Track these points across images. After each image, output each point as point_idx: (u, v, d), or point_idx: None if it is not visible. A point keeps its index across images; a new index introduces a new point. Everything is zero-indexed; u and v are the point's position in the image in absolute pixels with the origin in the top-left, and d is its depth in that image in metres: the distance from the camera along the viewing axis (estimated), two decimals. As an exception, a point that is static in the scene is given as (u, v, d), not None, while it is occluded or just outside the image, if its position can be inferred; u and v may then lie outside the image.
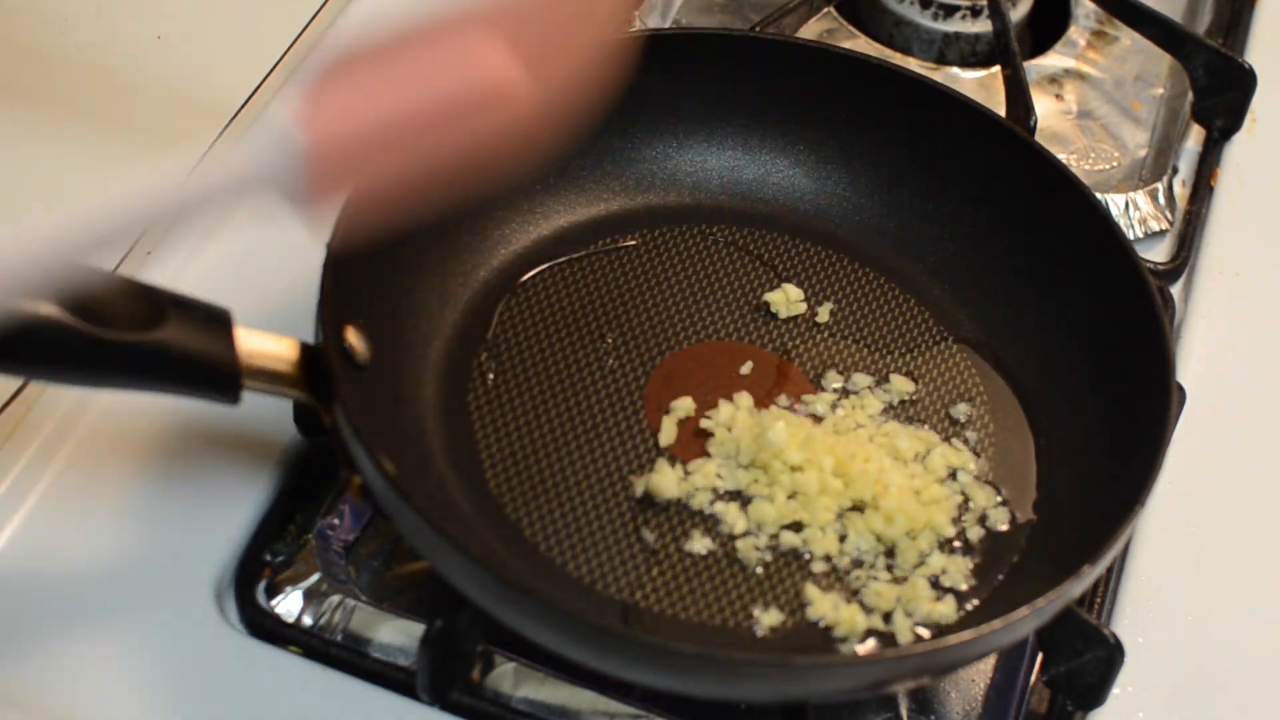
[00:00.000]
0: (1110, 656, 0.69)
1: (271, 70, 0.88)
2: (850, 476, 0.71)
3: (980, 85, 1.00)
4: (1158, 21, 1.00)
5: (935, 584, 0.70)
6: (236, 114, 0.86)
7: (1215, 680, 0.74)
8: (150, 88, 0.85)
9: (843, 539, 0.71)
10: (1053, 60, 1.04)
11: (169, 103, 0.85)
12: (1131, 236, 0.91)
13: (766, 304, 0.81)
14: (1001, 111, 0.92)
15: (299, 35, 0.89)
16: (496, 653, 0.69)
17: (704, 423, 0.74)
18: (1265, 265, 0.93)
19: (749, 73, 0.84)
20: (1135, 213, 0.93)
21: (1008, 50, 0.96)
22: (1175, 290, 0.91)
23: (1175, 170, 0.97)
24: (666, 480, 0.72)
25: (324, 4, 0.90)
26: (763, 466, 0.72)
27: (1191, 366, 0.86)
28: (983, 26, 1.01)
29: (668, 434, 0.74)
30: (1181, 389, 0.79)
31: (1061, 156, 0.82)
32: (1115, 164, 0.98)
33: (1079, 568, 0.65)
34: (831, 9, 1.02)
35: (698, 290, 0.81)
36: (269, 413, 0.72)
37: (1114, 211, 0.91)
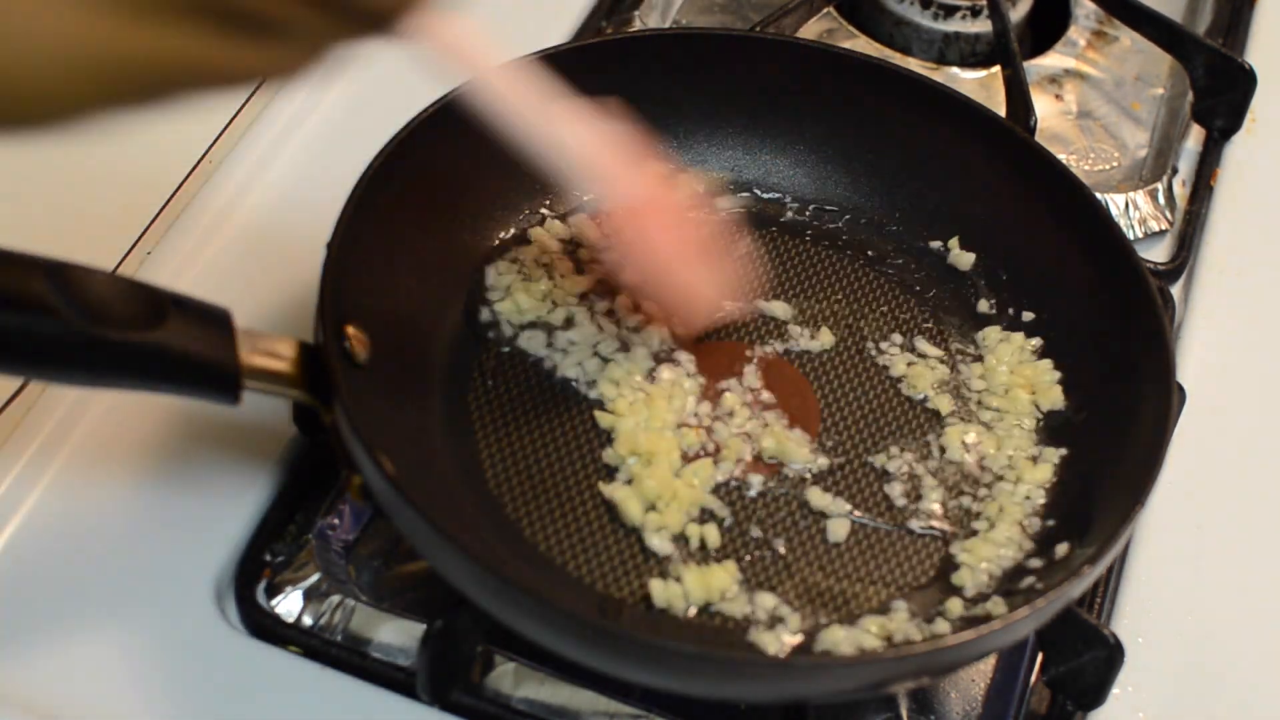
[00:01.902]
0: (1110, 656, 0.69)
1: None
2: None
3: (980, 85, 1.00)
4: (1158, 21, 1.00)
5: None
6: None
7: (1215, 680, 0.74)
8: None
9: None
10: (1053, 60, 1.04)
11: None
12: (1131, 236, 0.91)
13: (765, 304, 0.81)
14: (1001, 111, 0.92)
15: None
16: (496, 653, 0.69)
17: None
18: (1265, 265, 0.93)
19: (749, 73, 0.84)
20: (1135, 213, 0.93)
21: (1008, 50, 0.96)
22: (1175, 290, 0.91)
23: (1175, 170, 0.97)
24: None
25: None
26: None
27: (1191, 366, 0.86)
28: (983, 26, 1.01)
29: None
30: (1181, 389, 0.79)
31: (1061, 156, 0.83)
32: (1115, 164, 0.98)
33: (1079, 568, 0.65)
34: (831, 9, 1.02)
35: (698, 290, 0.81)
36: (269, 413, 0.72)
37: (1114, 211, 0.92)
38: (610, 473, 0.72)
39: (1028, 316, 0.81)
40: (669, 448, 0.73)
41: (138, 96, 0.52)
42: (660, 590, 0.68)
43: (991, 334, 0.80)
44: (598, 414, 0.74)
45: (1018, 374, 0.78)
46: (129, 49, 0.50)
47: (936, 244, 0.84)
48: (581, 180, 0.70)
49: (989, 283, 0.82)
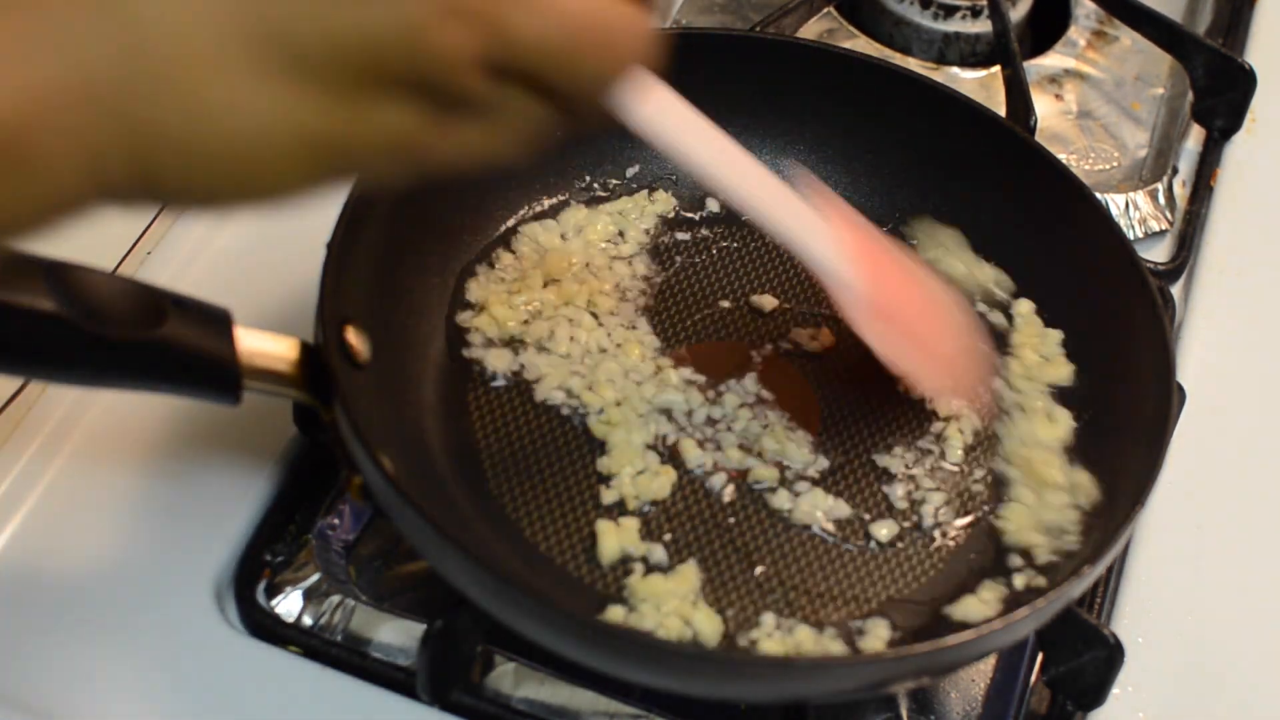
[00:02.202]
0: (1110, 656, 0.69)
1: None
2: None
3: (980, 85, 1.00)
4: (1158, 21, 1.00)
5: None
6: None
7: (1215, 680, 0.74)
8: None
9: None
10: (1053, 60, 1.04)
11: None
12: (1131, 236, 0.91)
13: (765, 304, 0.81)
14: (1001, 111, 0.93)
15: None
16: (496, 653, 0.69)
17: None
18: (1265, 265, 0.93)
19: (749, 73, 0.84)
20: (1135, 213, 0.93)
21: (1008, 50, 0.96)
22: (1175, 290, 0.91)
23: (1175, 170, 0.97)
24: (662, 482, 0.72)
25: None
26: None
27: (1191, 366, 0.86)
28: (983, 26, 1.01)
29: None
30: (1181, 389, 0.79)
31: (1061, 156, 0.83)
32: (1115, 164, 0.98)
33: (1079, 568, 0.65)
34: (831, 9, 1.02)
35: (698, 290, 0.81)
36: (269, 413, 0.72)
37: (1114, 211, 0.91)
38: (606, 480, 0.72)
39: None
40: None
41: (343, 173, 0.51)
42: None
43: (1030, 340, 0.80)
44: (590, 424, 0.74)
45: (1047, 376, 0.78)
46: (335, 127, 0.48)
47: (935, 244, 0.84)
48: (813, 264, 0.69)
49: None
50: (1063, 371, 0.78)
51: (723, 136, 0.63)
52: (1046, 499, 0.73)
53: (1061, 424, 0.75)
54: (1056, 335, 0.79)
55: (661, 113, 0.59)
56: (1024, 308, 0.81)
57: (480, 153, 0.52)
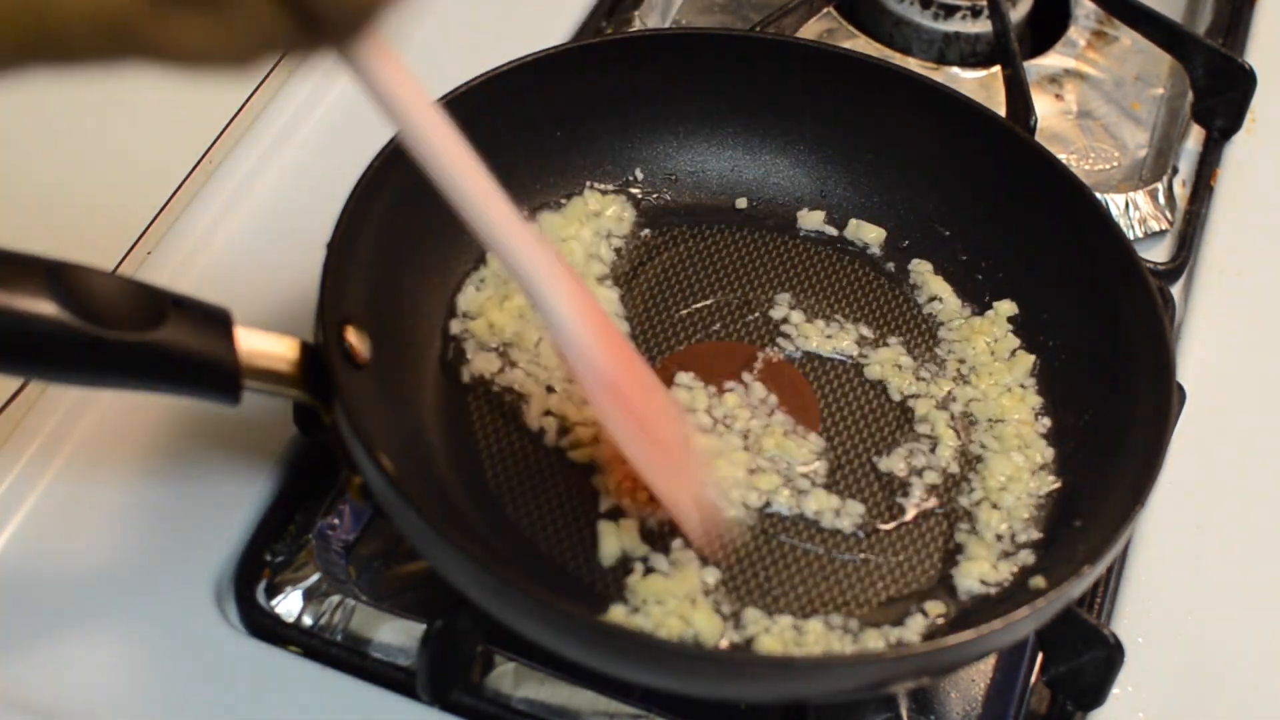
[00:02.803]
0: (1110, 656, 0.69)
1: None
2: None
3: (980, 85, 1.00)
4: (1158, 21, 1.00)
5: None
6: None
7: (1215, 680, 0.74)
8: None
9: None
10: (1053, 60, 1.04)
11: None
12: (1131, 236, 0.91)
13: (765, 304, 0.81)
14: (1001, 111, 0.93)
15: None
16: (496, 653, 0.69)
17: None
18: (1265, 265, 0.93)
19: (749, 73, 0.84)
20: (1135, 213, 0.93)
21: (1008, 50, 0.96)
22: (1175, 290, 0.91)
23: (1175, 170, 0.97)
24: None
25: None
26: None
27: (1191, 366, 0.86)
28: (983, 26, 1.01)
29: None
30: (1181, 389, 0.79)
31: (1061, 156, 0.82)
32: (1115, 164, 0.98)
33: (1079, 568, 0.65)
34: (831, 9, 1.02)
35: (698, 290, 0.81)
36: (269, 413, 0.72)
37: (1114, 211, 0.91)
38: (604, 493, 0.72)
39: (1027, 315, 0.81)
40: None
41: (47, 49, 0.47)
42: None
43: (986, 333, 0.80)
44: (570, 454, 0.73)
45: (1012, 374, 0.78)
46: None
47: (915, 259, 0.84)
48: (529, 292, 0.63)
49: (987, 282, 0.82)
50: (1022, 366, 0.79)
51: (461, 142, 0.59)
52: (1014, 476, 0.74)
53: (1028, 399, 0.77)
54: (1014, 341, 0.80)
55: (402, 85, 0.56)
56: (1004, 308, 0.81)
57: (200, 49, 0.48)
